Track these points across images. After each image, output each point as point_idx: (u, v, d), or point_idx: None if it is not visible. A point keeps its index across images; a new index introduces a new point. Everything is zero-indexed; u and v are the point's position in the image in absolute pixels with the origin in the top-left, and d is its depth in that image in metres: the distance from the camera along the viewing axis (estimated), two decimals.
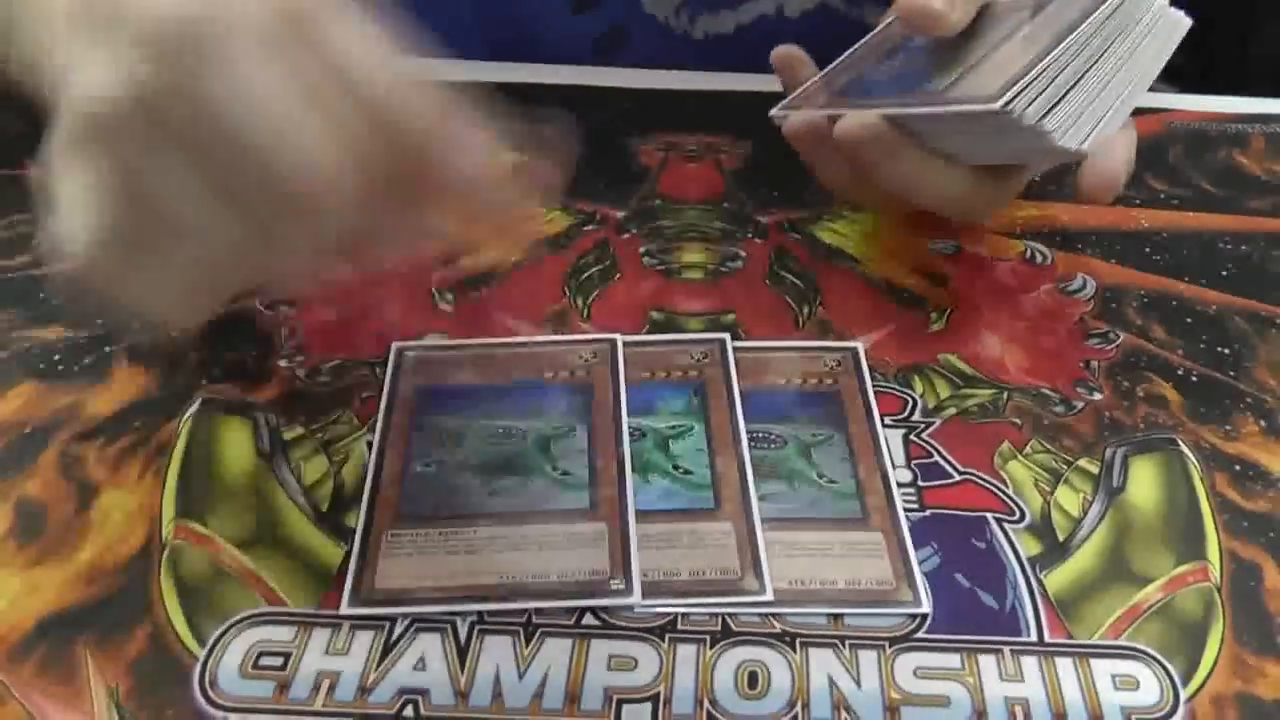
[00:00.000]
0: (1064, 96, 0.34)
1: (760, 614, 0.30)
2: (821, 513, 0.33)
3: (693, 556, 0.31)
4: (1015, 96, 0.33)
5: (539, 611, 0.30)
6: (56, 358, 0.37)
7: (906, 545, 0.32)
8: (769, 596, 0.30)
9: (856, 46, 0.42)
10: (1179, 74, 0.45)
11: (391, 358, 0.37)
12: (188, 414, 0.35)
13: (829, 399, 0.36)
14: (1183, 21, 0.39)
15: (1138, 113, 0.51)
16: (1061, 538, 0.32)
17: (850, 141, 0.36)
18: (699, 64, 0.54)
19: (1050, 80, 0.34)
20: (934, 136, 0.36)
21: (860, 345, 0.38)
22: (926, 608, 0.30)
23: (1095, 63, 0.35)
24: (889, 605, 0.30)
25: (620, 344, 0.38)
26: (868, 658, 0.29)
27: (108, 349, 0.37)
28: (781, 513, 0.32)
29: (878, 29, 0.42)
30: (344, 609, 0.30)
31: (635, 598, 0.30)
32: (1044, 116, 0.34)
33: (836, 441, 0.35)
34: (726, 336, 0.38)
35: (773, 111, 0.40)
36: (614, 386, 0.36)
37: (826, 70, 0.41)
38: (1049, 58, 0.34)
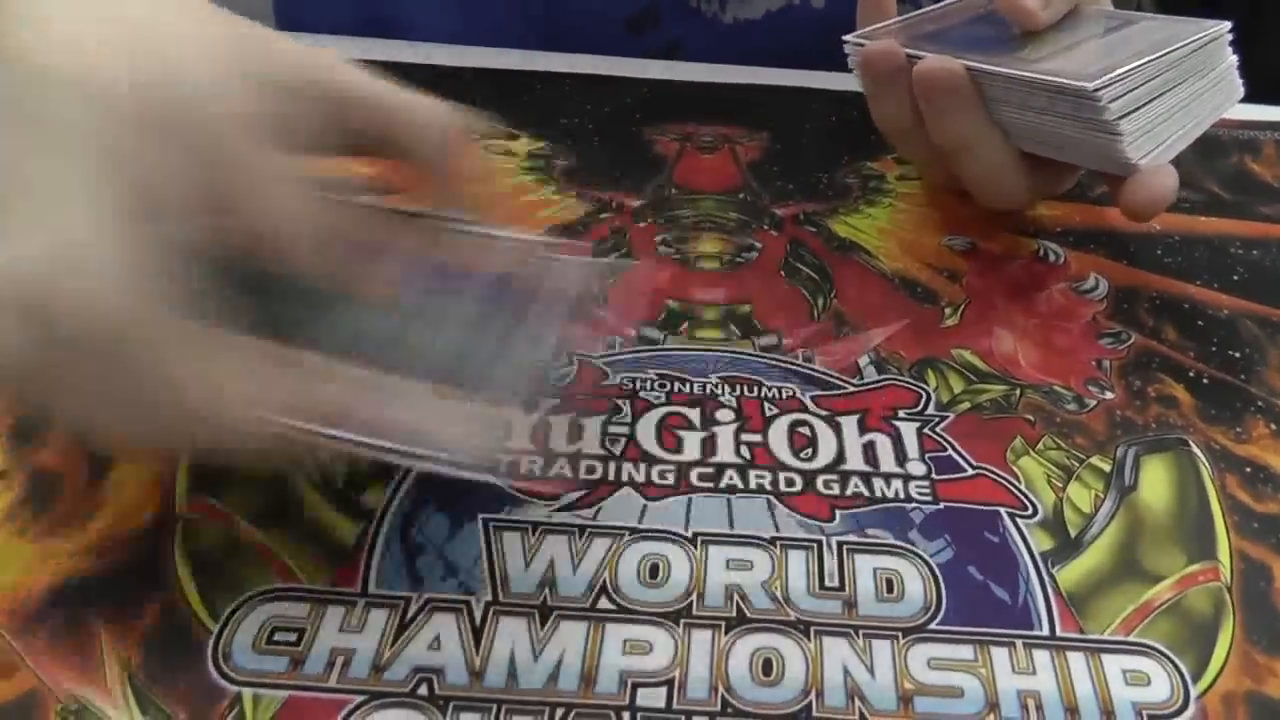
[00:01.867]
0: (1146, 105, 0.35)
1: (772, 598, 0.30)
2: None
3: None
4: (1109, 84, 0.34)
5: (554, 594, 0.30)
6: None
7: None
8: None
9: (940, 5, 0.42)
10: None
11: None
12: None
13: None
14: (1240, 89, 0.39)
15: None
16: (1073, 534, 0.33)
17: (928, 82, 0.36)
18: (726, 48, 0.55)
19: (1141, 82, 0.34)
20: (1006, 106, 0.36)
21: None
22: None
23: (1180, 84, 0.36)
24: None
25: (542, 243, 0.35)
26: (881, 648, 0.29)
27: None
28: None
29: None
30: None
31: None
32: (1124, 117, 0.34)
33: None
34: None
35: (847, 37, 0.40)
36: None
37: (907, 16, 0.41)
38: (1146, 59, 0.34)
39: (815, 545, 0.32)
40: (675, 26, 0.56)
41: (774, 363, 0.38)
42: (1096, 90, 0.33)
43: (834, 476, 0.34)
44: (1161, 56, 0.36)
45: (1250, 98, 0.53)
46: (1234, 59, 0.39)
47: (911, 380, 0.37)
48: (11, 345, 0.25)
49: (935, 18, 0.42)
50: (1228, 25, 0.38)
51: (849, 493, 0.33)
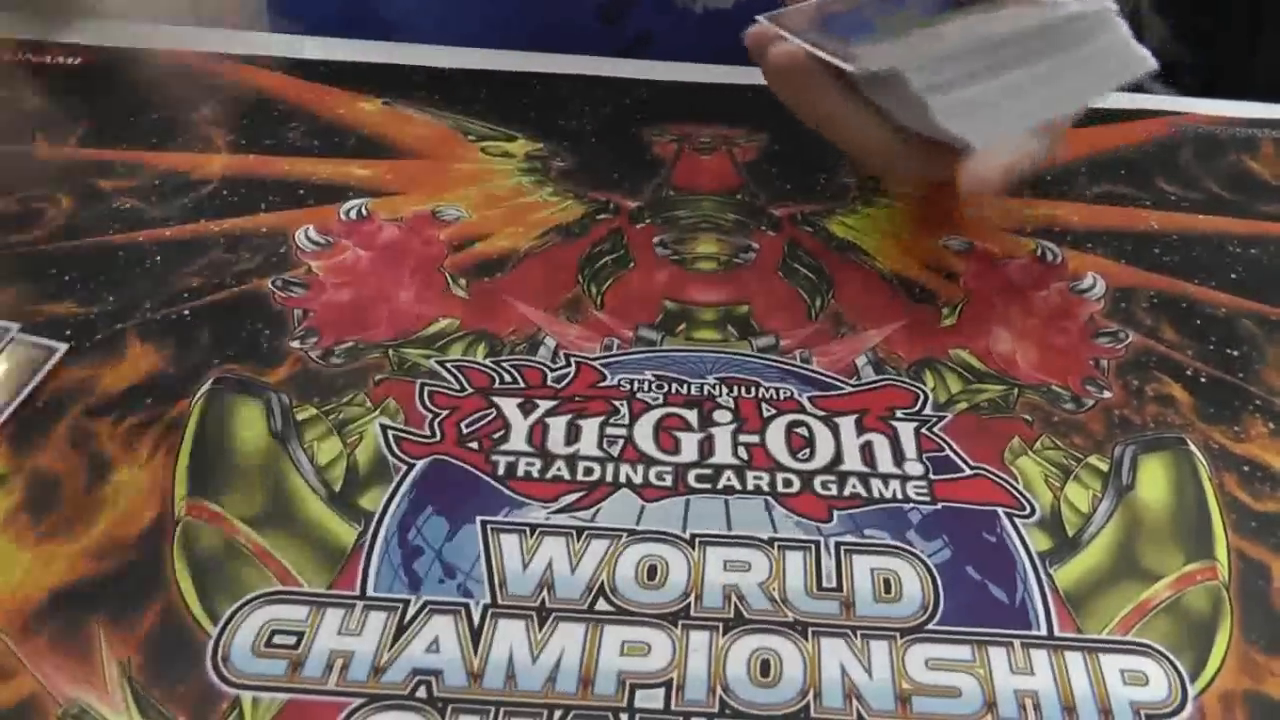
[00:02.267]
0: (964, 83, 0.35)
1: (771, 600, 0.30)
2: None
3: None
4: (905, 70, 0.34)
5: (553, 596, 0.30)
6: (68, 333, 0.37)
7: None
8: None
9: None
10: (1186, 79, 0.45)
11: None
12: (200, 393, 0.35)
13: None
14: (1146, 61, 0.38)
15: (1146, 114, 0.51)
16: (1071, 533, 0.33)
17: (774, 70, 0.36)
18: (698, 38, 0.55)
19: (953, 60, 0.34)
20: (864, 85, 0.36)
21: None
22: None
23: (1022, 64, 0.36)
24: None
25: None
26: (879, 648, 0.29)
27: (120, 326, 0.37)
28: None
29: None
30: None
31: None
32: (934, 93, 0.34)
33: None
34: None
35: (761, 16, 0.40)
36: None
37: None
38: (970, 40, 0.34)
39: (813, 546, 0.32)
40: (648, 17, 0.56)
41: (771, 363, 0.38)
42: (874, 72, 0.34)
43: (832, 477, 0.34)
44: (994, 38, 0.36)
45: (1254, 97, 0.53)
46: (1122, 33, 0.37)
47: (909, 380, 0.37)
48: None
49: None
50: (1106, 4, 0.37)
51: (847, 493, 0.33)
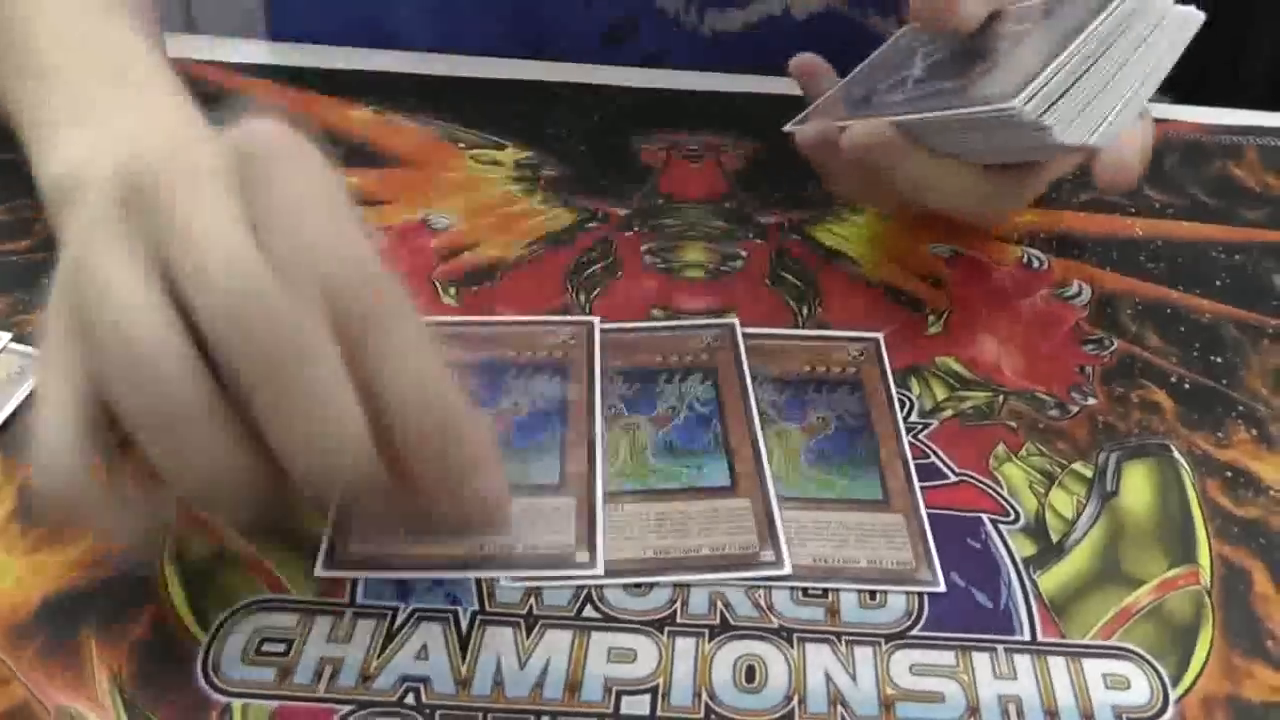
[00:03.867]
0: (1064, 94, 0.34)
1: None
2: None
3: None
4: (1025, 97, 0.33)
5: (538, 600, 0.30)
6: None
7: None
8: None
9: (873, 56, 0.42)
10: (1173, 85, 0.46)
11: None
12: None
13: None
14: (1194, 16, 0.38)
15: None
16: (1055, 539, 0.33)
17: (858, 149, 0.36)
18: (705, 61, 0.55)
19: (1049, 79, 0.34)
20: (945, 140, 0.36)
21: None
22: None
23: (1097, 61, 0.35)
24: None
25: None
26: (863, 654, 0.30)
27: None
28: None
29: (891, 40, 0.43)
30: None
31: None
32: (1044, 113, 0.34)
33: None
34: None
35: (788, 125, 0.40)
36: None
37: (844, 81, 0.41)
38: (1056, 61, 0.34)
39: None
40: (653, 38, 0.56)
41: None
42: (1009, 107, 0.33)
43: None
44: (1074, 47, 0.35)
45: (1242, 103, 0.54)
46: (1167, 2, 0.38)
47: (895, 387, 0.37)
48: None
49: (869, 74, 0.41)
50: None
51: None
